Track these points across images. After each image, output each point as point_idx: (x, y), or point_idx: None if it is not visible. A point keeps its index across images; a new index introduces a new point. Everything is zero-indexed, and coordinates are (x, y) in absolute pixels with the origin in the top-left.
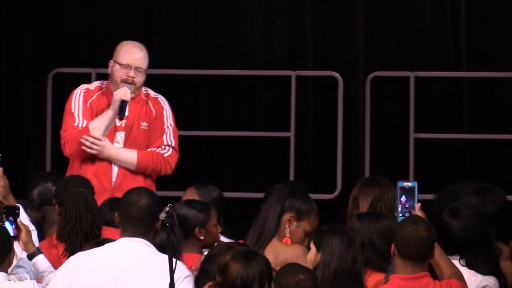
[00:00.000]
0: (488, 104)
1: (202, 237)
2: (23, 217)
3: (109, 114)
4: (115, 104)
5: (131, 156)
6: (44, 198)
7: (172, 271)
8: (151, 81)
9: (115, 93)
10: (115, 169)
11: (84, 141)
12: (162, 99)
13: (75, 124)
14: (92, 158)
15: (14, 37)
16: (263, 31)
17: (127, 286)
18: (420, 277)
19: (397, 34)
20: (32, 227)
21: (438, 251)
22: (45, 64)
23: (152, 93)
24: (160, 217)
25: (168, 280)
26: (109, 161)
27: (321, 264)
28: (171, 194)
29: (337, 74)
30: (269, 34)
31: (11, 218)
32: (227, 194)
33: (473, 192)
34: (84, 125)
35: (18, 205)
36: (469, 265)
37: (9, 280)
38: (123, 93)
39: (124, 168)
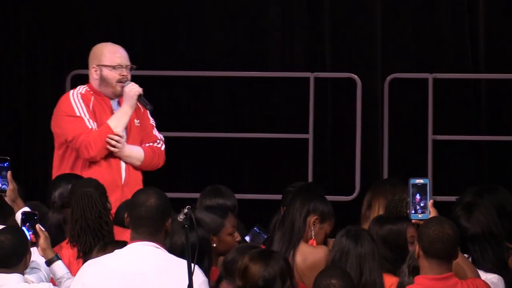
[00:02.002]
0: (506, 106)
1: (214, 245)
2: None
3: (126, 110)
4: (132, 100)
5: (140, 152)
6: (65, 200)
7: (190, 273)
8: (168, 83)
9: (127, 90)
10: (123, 166)
11: (110, 140)
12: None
13: (89, 127)
14: (105, 158)
15: (33, 38)
16: (282, 32)
17: None
18: (448, 277)
19: (415, 36)
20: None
21: (459, 254)
22: (63, 65)
23: None
24: (178, 218)
25: (186, 283)
26: (119, 158)
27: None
28: (189, 196)
29: (356, 76)
30: (287, 36)
31: (28, 224)
32: (246, 196)
33: (482, 192)
34: (95, 127)
35: (36, 212)
36: (475, 262)
37: (25, 282)
38: (137, 88)
39: (131, 164)
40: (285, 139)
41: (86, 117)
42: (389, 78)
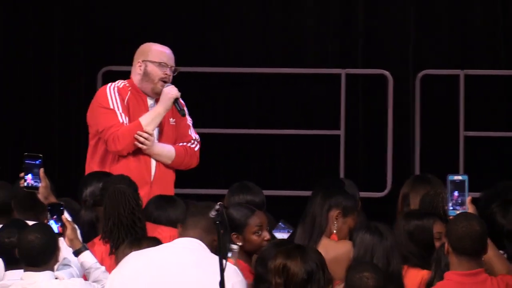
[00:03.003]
0: None
1: (239, 243)
2: (66, 215)
3: (160, 110)
4: (168, 102)
5: (170, 151)
6: (97, 198)
7: (222, 269)
8: (203, 79)
9: (166, 90)
10: (153, 163)
11: (138, 137)
12: (180, 97)
13: (120, 121)
14: (134, 154)
15: (66, 35)
16: (314, 29)
17: (175, 283)
18: (477, 273)
19: (447, 32)
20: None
21: (490, 247)
22: (96, 62)
23: None
24: (210, 215)
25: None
26: (149, 155)
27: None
28: (222, 193)
29: (387, 72)
30: (320, 33)
31: (55, 216)
32: (278, 193)
33: None
34: (126, 121)
35: (62, 202)
36: (511, 259)
37: (56, 279)
38: (176, 91)
39: (161, 162)
40: (316, 135)
41: (119, 110)
42: (420, 74)
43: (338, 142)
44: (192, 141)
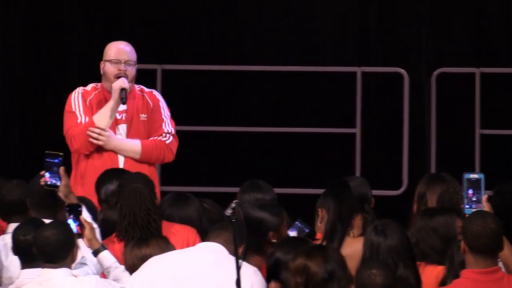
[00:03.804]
0: None
1: (274, 240)
2: (86, 215)
3: (110, 104)
4: (116, 94)
5: (135, 145)
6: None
7: (238, 268)
8: (218, 77)
9: (113, 84)
10: (121, 160)
11: (90, 133)
12: (156, 93)
13: (78, 121)
14: (98, 151)
15: (87, 32)
16: (330, 27)
17: (197, 283)
18: (494, 271)
19: (463, 30)
20: (94, 225)
21: (506, 245)
22: None
23: (145, 88)
24: (225, 213)
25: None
26: (115, 152)
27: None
28: (234, 191)
29: (403, 70)
30: (335, 31)
31: (73, 216)
32: (293, 191)
33: None
34: (87, 121)
35: (80, 203)
36: None
37: (73, 276)
38: (121, 82)
39: (130, 158)
40: (332, 133)
41: (79, 112)
42: (436, 72)
43: (354, 140)
44: (164, 134)
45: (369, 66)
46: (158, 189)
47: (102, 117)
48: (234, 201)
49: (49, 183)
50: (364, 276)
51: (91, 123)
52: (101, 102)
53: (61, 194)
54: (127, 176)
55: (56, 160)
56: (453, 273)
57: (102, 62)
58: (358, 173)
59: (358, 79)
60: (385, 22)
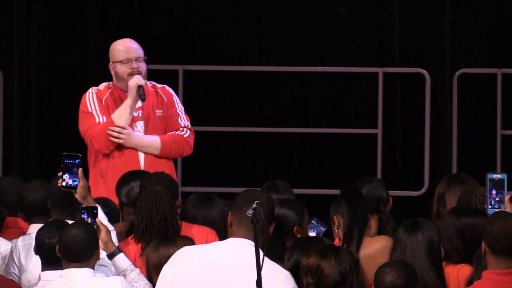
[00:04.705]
0: None
1: (299, 235)
2: (101, 217)
3: (128, 102)
4: (133, 92)
5: (155, 140)
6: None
7: (259, 268)
8: (242, 78)
9: (129, 82)
10: (141, 156)
11: (111, 132)
12: (168, 88)
13: (96, 121)
14: (118, 149)
15: (103, 33)
16: (352, 28)
17: (231, 286)
18: None
19: (484, 31)
20: (111, 228)
21: None
22: None
23: (157, 84)
24: (247, 214)
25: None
26: (135, 149)
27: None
28: None
29: (424, 71)
30: (357, 31)
31: (89, 219)
32: (315, 191)
33: None
34: (104, 120)
35: (97, 205)
36: None
37: (96, 277)
38: (137, 79)
39: (150, 154)
40: (354, 134)
41: (96, 112)
42: (457, 73)
43: (376, 141)
44: (181, 128)
45: (391, 66)
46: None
47: (120, 116)
48: (256, 201)
49: (67, 184)
50: (377, 272)
51: (111, 122)
52: (116, 100)
53: (78, 195)
54: (150, 177)
55: (76, 161)
56: (479, 273)
57: (111, 63)
58: (379, 174)
59: (380, 80)
60: (406, 23)
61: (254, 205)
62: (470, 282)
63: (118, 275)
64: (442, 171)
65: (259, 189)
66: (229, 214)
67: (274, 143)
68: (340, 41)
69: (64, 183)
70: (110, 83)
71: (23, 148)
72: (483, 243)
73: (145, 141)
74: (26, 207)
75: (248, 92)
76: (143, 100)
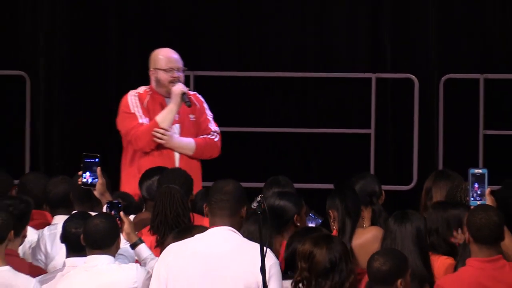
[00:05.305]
0: None
1: (298, 224)
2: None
3: (172, 107)
4: (177, 98)
5: (190, 143)
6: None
7: (263, 257)
8: (248, 83)
9: (173, 89)
10: (177, 156)
11: (155, 133)
12: (199, 95)
13: (140, 122)
14: (157, 148)
15: (120, 42)
16: (347, 37)
17: (219, 273)
18: (497, 259)
19: (468, 40)
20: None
21: (507, 235)
22: (147, 68)
23: (190, 91)
24: (252, 206)
25: (257, 266)
26: (172, 149)
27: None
28: (261, 186)
29: (413, 76)
30: (352, 40)
31: (114, 211)
32: (314, 186)
33: None
34: (146, 122)
35: (120, 200)
36: None
37: (115, 263)
38: (181, 87)
39: (184, 154)
40: (349, 134)
41: (139, 113)
42: (444, 78)
43: (369, 140)
44: (212, 133)
45: (383, 72)
46: (200, 182)
47: (164, 119)
48: (260, 195)
49: (87, 182)
50: (368, 259)
51: (155, 124)
52: (156, 104)
53: (96, 192)
54: (167, 174)
55: (96, 160)
56: (462, 261)
57: (152, 69)
58: (372, 170)
59: (373, 84)
60: (397, 32)
61: (259, 198)
62: (455, 269)
63: (140, 263)
64: (430, 167)
65: (230, 179)
66: (204, 206)
67: (277, 142)
68: (337, 50)
69: (84, 181)
70: (148, 87)
71: (48, 147)
72: (467, 233)
73: (183, 143)
74: (50, 200)
75: (252, 95)
76: (189, 106)
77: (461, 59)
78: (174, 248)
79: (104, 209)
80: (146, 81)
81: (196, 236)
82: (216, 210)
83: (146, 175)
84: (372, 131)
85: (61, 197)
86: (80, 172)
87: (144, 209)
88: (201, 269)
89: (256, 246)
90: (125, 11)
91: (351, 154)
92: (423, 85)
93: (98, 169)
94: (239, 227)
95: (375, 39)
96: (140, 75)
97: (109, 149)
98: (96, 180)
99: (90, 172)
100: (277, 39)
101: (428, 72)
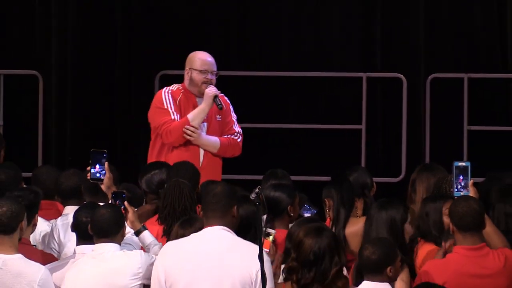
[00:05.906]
0: None
1: (292, 214)
2: None
3: (203, 107)
4: (209, 100)
5: (216, 141)
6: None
7: (261, 244)
8: (248, 82)
9: (207, 91)
10: (201, 152)
11: (186, 130)
12: (226, 98)
13: (172, 118)
14: (185, 144)
15: (127, 42)
16: (340, 38)
17: (215, 271)
18: (481, 247)
19: (453, 41)
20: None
21: (488, 223)
22: (153, 66)
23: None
24: (250, 197)
25: (250, 262)
26: (198, 146)
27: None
28: (260, 178)
29: (402, 76)
30: (344, 42)
31: (118, 202)
32: (310, 178)
33: None
34: (178, 118)
35: (124, 190)
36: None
37: (121, 251)
38: (214, 89)
39: (208, 151)
40: (342, 129)
41: (171, 109)
42: (430, 77)
43: (360, 135)
44: (235, 134)
45: (373, 71)
46: (220, 177)
47: (195, 117)
48: (258, 186)
49: (95, 176)
50: (359, 249)
51: (186, 121)
52: (188, 102)
53: (103, 186)
54: (175, 168)
55: (104, 155)
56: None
57: (187, 69)
58: (363, 163)
59: (363, 83)
60: (387, 34)
61: (257, 190)
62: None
63: (144, 249)
64: (417, 161)
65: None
66: (199, 210)
67: (275, 137)
68: (331, 50)
69: (92, 175)
70: (180, 85)
71: (60, 142)
72: (450, 224)
73: (209, 141)
74: (62, 192)
75: (251, 94)
76: (220, 108)
77: (447, 59)
78: (170, 249)
79: (110, 200)
80: (150, 82)
81: (191, 235)
82: (208, 212)
83: (146, 170)
84: (363, 126)
85: (72, 189)
86: (89, 168)
87: (144, 202)
88: (198, 268)
89: (249, 243)
90: (134, 11)
91: (344, 148)
92: (411, 83)
93: (106, 164)
94: (232, 226)
95: (366, 40)
96: (146, 76)
97: (114, 143)
98: (103, 174)
99: (98, 166)
100: (276, 42)
101: (415, 71)
